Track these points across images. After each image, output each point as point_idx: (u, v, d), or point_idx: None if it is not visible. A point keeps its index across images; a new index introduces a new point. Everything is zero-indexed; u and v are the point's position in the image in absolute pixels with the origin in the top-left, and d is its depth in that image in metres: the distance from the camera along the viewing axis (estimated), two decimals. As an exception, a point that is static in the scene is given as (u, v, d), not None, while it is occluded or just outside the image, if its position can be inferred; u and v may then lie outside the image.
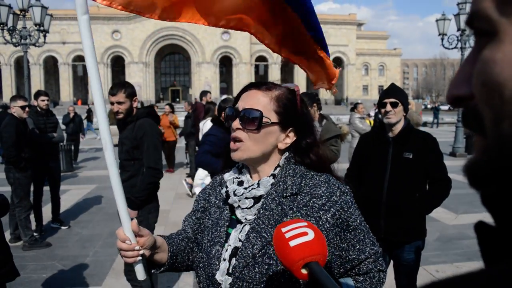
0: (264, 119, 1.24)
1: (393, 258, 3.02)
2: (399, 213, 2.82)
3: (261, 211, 1.23)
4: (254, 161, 1.28)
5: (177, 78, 65.14)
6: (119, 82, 3.55)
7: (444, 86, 78.27)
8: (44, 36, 12.29)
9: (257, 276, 1.16)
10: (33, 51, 45.12)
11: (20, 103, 5.28)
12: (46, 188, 6.10)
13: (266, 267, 1.16)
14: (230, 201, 1.27)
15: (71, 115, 12.51)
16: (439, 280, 0.35)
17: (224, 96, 4.95)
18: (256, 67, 61.04)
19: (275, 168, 1.28)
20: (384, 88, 3.36)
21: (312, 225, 0.96)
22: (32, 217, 5.65)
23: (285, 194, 1.23)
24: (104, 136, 1.28)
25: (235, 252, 1.22)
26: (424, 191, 2.93)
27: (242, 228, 1.25)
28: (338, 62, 64.54)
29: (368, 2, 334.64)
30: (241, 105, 1.27)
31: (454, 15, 13.28)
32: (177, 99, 59.53)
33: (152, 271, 1.34)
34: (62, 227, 6.17)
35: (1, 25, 11.39)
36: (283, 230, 0.93)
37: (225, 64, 62.21)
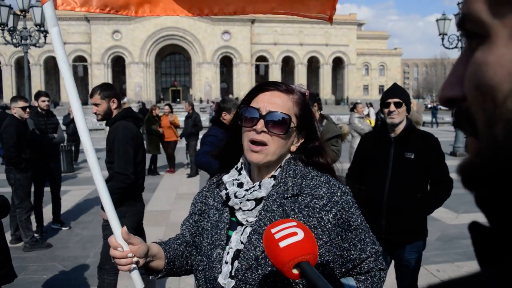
0: (291, 124, 1.23)
1: (394, 258, 3.02)
2: (401, 213, 2.82)
3: (263, 213, 1.22)
4: (267, 164, 1.26)
5: (177, 78, 65.17)
6: (99, 84, 3.56)
7: (444, 86, 78.16)
8: (45, 36, 12.28)
9: (260, 278, 1.16)
10: (34, 52, 45.15)
11: (21, 103, 5.28)
12: (47, 189, 6.10)
13: (269, 269, 1.16)
14: (230, 203, 1.25)
15: (72, 115, 12.49)
16: (437, 283, 0.36)
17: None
18: (257, 67, 61.08)
19: (276, 170, 1.28)
20: (385, 88, 3.36)
21: (302, 224, 0.95)
22: (32, 218, 5.64)
23: (286, 195, 1.22)
24: (85, 145, 1.33)
25: (237, 254, 1.21)
26: (426, 191, 2.93)
27: (244, 230, 1.24)
28: (339, 62, 64.60)
29: (368, 2, 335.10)
30: (264, 106, 1.21)
31: (454, 15, 13.28)
32: (178, 99, 59.54)
33: (150, 278, 1.34)
34: (63, 228, 6.17)
35: (2, 26, 11.40)
36: (273, 231, 0.92)
37: (226, 64, 62.25)
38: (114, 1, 1.53)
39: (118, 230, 1.27)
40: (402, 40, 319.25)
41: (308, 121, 1.29)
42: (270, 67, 61.28)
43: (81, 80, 58.72)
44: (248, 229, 1.23)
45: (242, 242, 1.22)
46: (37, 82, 53.00)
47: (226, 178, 1.31)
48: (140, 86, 57.61)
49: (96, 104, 3.40)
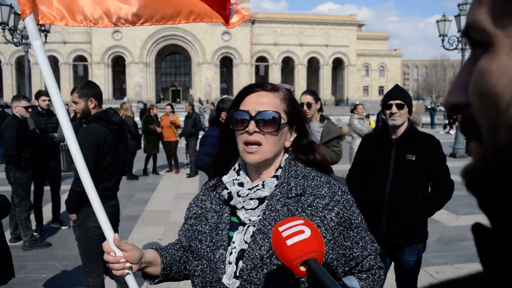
0: (281, 120, 1.25)
1: (394, 260, 3.02)
2: (401, 215, 2.81)
3: (267, 212, 1.22)
4: (265, 163, 1.28)
5: (177, 78, 65.18)
6: (81, 82, 3.54)
7: (444, 87, 78.24)
8: (45, 36, 12.31)
9: (266, 278, 1.16)
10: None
11: (24, 103, 5.30)
12: (47, 188, 6.11)
13: (275, 268, 1.16)
14: (233, 202, 1.25)
15: (72, 114, 12.52)
16: (437, 283, 0.36)
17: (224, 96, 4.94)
18: (257, 67, 61.13)
19: (277, 170, 1.29)
20: (385, 89, 3.36)
21: (309, 222, 0.96)
22: (32, 217, 5.65)
23: (290, 195, 1.23)
24: (73, 152, 1.38)
25: (241, 254, 1.21)
26: (427, 193, 2.92)
27: (246, 229, 1.24)
28: (339, 63, 64.65)
29: (368, 3, 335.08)
30: (252, 107, 1.24)
31: (454, 16, 13.28)
32: (178, 99, 59.55)
33: (148, 283, 1.35)
34: (62, 227, 6.17)
35: (2, 25, 11.42)
36: (280, 229, 0.93)
37: (226, 64, 62.29)
38: (90, 13, 1.59)
39: (110, 235, 1.30)
40: (402, 41, 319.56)
41: (297, 115, 1.32)
42: (270, 67, 61.33)
43: (81, 79, 58.64)
44: (251, 229, 1.24)
45: (246, 242, 1.22)
46: (38, 81, 52.93)
47: (226, 178, 1.32)
48: (140, 86, 57.63)
49: (75, 102, 3.39)
